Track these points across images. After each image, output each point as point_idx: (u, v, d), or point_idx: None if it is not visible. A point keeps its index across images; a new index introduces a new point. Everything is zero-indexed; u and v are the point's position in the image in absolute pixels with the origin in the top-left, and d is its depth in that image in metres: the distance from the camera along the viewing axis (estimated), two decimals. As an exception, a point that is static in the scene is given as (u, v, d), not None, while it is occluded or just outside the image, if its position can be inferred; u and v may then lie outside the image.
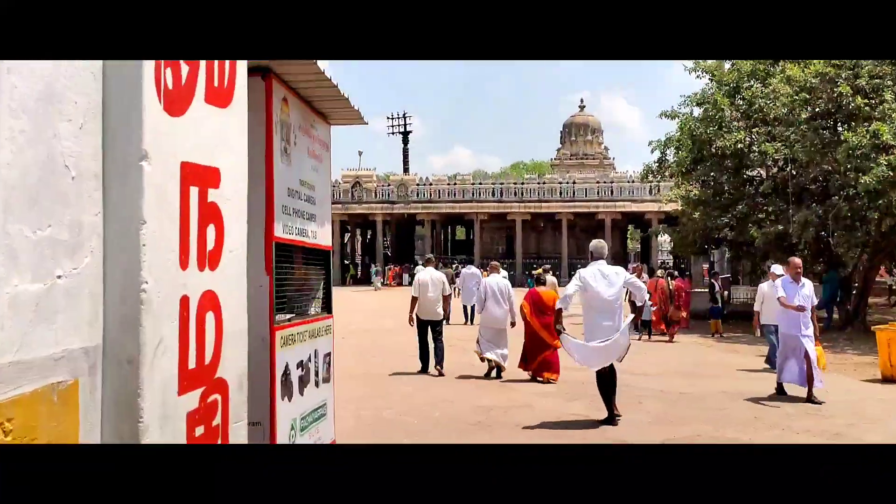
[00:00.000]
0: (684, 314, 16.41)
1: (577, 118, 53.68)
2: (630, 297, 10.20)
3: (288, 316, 4.39)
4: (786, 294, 8.70)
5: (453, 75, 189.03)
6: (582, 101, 55.15)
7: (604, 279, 6.98)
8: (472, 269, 19.43)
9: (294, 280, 4.65)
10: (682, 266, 41.79)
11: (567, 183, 45.40)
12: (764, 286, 11.36)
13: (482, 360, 10.14)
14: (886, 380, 9.95)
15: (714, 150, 17.94)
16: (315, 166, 5.02)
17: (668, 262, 45.33)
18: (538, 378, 9.64)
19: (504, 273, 11.39)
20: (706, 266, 39.90)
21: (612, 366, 7.13)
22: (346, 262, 52.52)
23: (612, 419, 7.10)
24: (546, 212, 45.37)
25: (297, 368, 4.41)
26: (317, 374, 4.79)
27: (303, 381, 4.48)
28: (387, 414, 7.64)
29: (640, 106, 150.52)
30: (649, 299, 16.59)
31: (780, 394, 8.78)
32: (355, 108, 5.18)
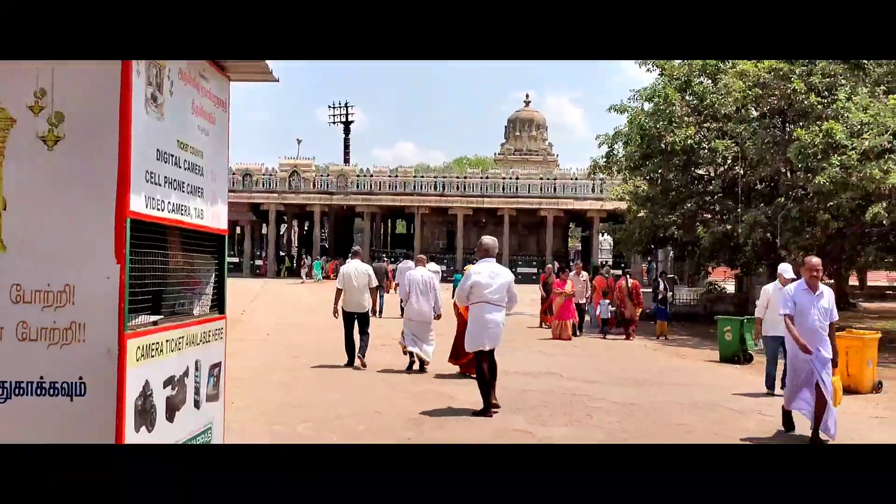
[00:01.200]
0: (638, 312, 16.10)
1: (522, 113, 53.07)
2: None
3: (153, 318, 3.33)
4: (799, 305, 6.58)
5: (398, 69, 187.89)
6: (527, 96, 54.40)
7: (492, 278, 7.46)
8: (409, 263, 18.79)
9: (167, 271, 3.59)
10: (623, 265, 41.77)
11: (510, 178, 44.92)
12: (769, 287, 9.55)
13: (405, 352, 10.20)
14: (847, 391, 9.38)
15: (663, 146, 17.39)
16: (205, 127, 3.96)
17: (608, 261, 45.34)
18: (468, 374, 9.24)
19: (434, 266, 11.56)
20: (644, 266, 39.97)
21: (492, 357, 7.58)
22: (282, 253, 50.89)
23: (487, 410, 7.37)
24: (488, 207, 44.76)
25: (165, 387, 3.35)
26: (197, 391, 3.73)
27: (173, 404, 3.42)
28: (302, 429, 6.60)
29: (583, 105, 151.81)
30: (605, 297, 16.14)
31: (786, 426, 7.04)
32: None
